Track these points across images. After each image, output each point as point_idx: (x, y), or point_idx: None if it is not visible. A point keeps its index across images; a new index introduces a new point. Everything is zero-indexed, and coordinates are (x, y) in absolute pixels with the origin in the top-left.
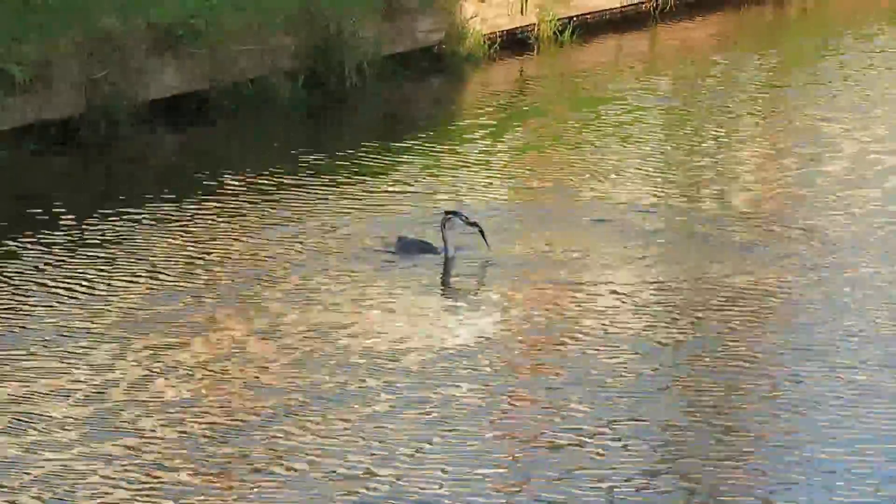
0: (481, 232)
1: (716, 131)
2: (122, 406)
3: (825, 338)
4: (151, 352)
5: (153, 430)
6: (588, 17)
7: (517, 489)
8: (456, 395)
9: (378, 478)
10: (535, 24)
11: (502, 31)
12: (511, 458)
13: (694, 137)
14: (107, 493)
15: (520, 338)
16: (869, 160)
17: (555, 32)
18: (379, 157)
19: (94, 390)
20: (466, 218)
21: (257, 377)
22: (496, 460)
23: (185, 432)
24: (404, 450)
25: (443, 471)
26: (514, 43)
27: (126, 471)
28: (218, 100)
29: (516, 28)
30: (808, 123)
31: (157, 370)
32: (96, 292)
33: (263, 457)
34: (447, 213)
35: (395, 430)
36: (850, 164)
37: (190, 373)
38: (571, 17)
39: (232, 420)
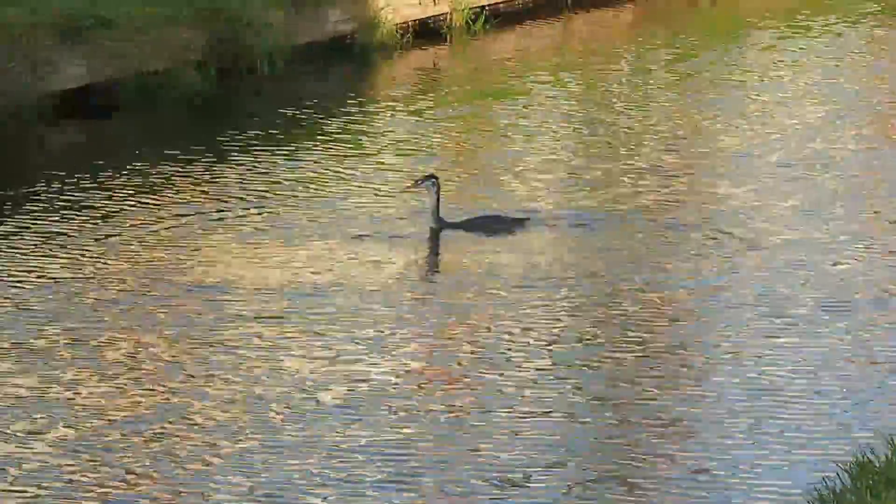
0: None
1: (627, 122)
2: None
3: (733, 331)
4: (52, 345)
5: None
6: (501, 5)
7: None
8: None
9: None
10: (447, 14)
11: (414, 21)
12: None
13: (605, 129)
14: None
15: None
16: (779, 151)
17: (467, 22)
18: (289, 148)
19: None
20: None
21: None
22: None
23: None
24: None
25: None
26: (427, 33)
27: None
28: (125, 91)
29: (428, 17)
30: (717, 115)
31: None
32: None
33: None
34: (431, 176)
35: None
36: (765, 157)
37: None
38: (484, 7)
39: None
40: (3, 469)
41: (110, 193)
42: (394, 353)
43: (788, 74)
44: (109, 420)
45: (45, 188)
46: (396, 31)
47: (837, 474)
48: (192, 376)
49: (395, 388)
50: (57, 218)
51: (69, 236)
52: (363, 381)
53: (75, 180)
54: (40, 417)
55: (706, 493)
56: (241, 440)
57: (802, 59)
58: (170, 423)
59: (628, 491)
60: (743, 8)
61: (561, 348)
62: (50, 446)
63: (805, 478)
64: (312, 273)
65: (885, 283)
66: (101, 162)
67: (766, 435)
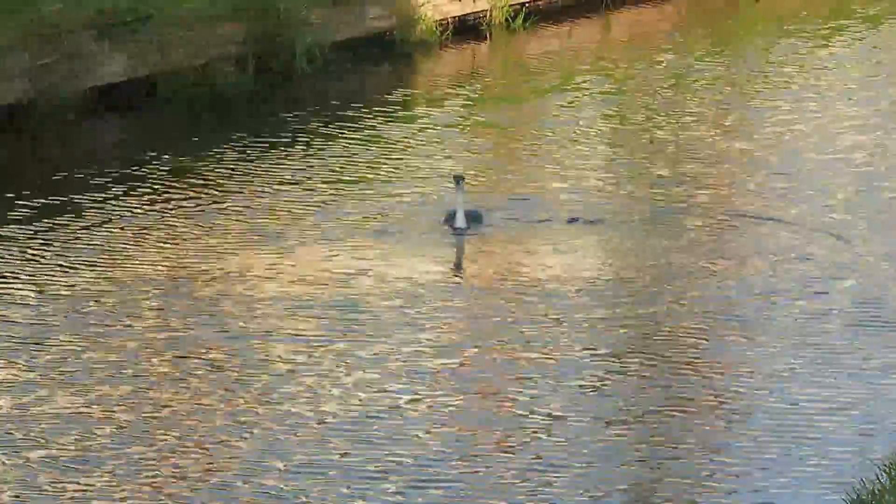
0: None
1: (666, 122)
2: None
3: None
4: (99, 338)
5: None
6: (540, 2)
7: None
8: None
9: None
10: (487, 11)
11: (454, 18)
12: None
13: (644, 128)
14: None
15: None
16: (825, 147)
17: (507, 19)
18: (326, 145)
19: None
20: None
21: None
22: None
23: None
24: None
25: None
26: (466, 30)
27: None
28: (165, 86)
29: (468, 14)
30: (759, 112)
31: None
32: (40, 277)
33: None
34: (458, 176)
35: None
36: (808, 152)
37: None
38: (524, 3)
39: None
40: (9, 483)
41: (142, 190)
42: (414, 365)
43: (829, 73)
44: (118, 431)
45: (79, 184)
46: (436, 28)
47: (876, 475)
48: (208, 383)
49: (415, 402)
50: (88, 214)
51: (98, 234)
52: (389, 394)
53: (110, 176)
54: (49, 428)
55: (746, 498)
56: (255, 455)
57: (843, 59)
58: (175, 437)
59: None
60: (784, 6)
61: (590, 359)
62: (59, 459)
63: (843, 479)
64: (342, 278)
65: None
66: (136, 157)
67: (804, 437)
